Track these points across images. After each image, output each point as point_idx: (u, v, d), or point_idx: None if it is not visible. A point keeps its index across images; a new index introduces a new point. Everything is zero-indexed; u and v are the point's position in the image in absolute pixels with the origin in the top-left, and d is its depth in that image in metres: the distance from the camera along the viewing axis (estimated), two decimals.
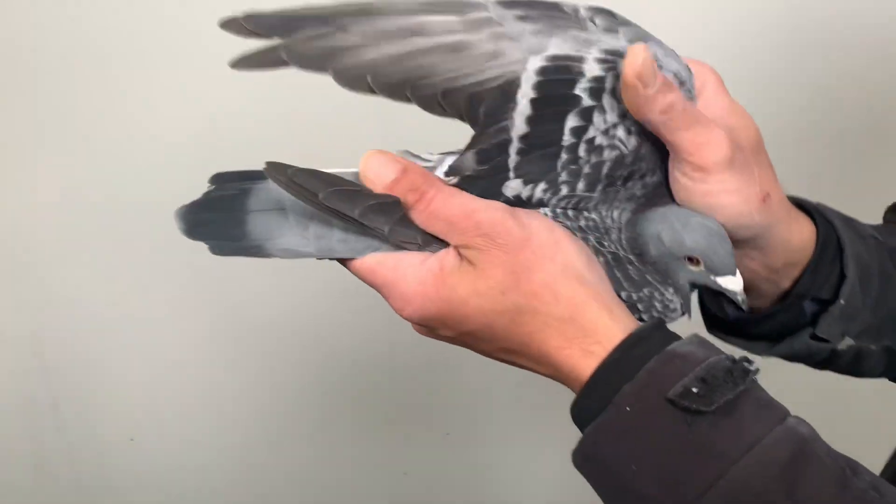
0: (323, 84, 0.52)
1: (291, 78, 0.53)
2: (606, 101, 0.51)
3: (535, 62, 0.51)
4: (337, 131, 1.11)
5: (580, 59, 0.51)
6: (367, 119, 1.08)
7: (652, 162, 0.54)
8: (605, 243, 0.54)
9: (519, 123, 0.51)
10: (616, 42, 0.52)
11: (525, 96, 0.51)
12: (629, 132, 0.52)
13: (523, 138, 0.52)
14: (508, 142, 0.52)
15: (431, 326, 0.53)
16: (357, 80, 0.51)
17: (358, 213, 0.50)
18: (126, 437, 1.37)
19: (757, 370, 0.48)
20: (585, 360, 0.50)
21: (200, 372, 1.34)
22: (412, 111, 0.53)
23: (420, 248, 0.52)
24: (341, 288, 0.67)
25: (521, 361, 0.53)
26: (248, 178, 0.54)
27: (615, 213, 0.54)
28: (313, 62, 0.51)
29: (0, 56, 1.20)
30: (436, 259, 0.52)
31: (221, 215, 0.53)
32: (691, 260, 0.53)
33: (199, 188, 0.54)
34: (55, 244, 1.28)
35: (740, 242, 0.56)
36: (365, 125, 1.09)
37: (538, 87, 0.51)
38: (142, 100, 1.21)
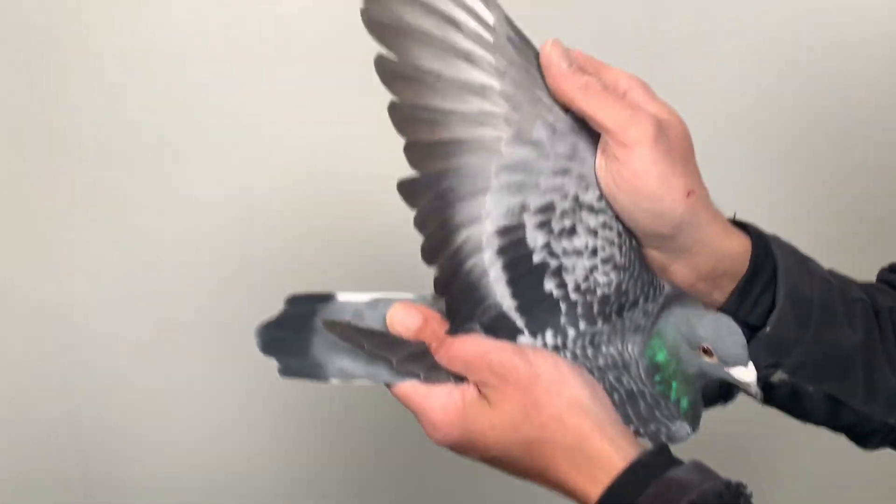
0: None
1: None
2: (567, 260, 0.56)
3: (489, 227, 0.56)
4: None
5: (522, 227, 0.56)
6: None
7: (637, 289, 0.58)
8: (624, 379, 0.58)
9: (504, 297, 0.57)
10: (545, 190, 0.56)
11: (494, 265, 0.57)
12: (605, 273, 0.57)
13: (518, 308, 0.57)
14: (503, 313, 0.58)
15: (458, 450, 0.59)
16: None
17: (395, 361, 0.58)
18: None
19: (750, 494, 0.52)
20: (592, 487, 0.54)
21: (238, 455, 1.34)
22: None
23: (448, 380, 0.58)
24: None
25: (540, 483, 0.58)
26: (316, 300, 0.62)
27: (630, 347, 0.58)
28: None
29: (41, 135, 1.22)
30: (459, 392, 0.58)
31: (290, 334, 0.61)
32: (706, 351, 0.57)
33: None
34: (96, 324, 1.29)
35: (665, 238, 0.58)
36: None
37: (502, 255, 0.57)
38: (180, 179, 1.24)
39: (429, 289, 0.59)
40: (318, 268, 1.24)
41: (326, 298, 0.62)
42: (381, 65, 0.52)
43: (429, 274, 0.57)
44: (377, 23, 0.52)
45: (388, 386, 0.61)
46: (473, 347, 0.57)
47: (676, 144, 0.56)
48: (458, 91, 0.53)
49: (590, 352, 0.58)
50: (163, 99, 1.21)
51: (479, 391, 0.58)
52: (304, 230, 1.24)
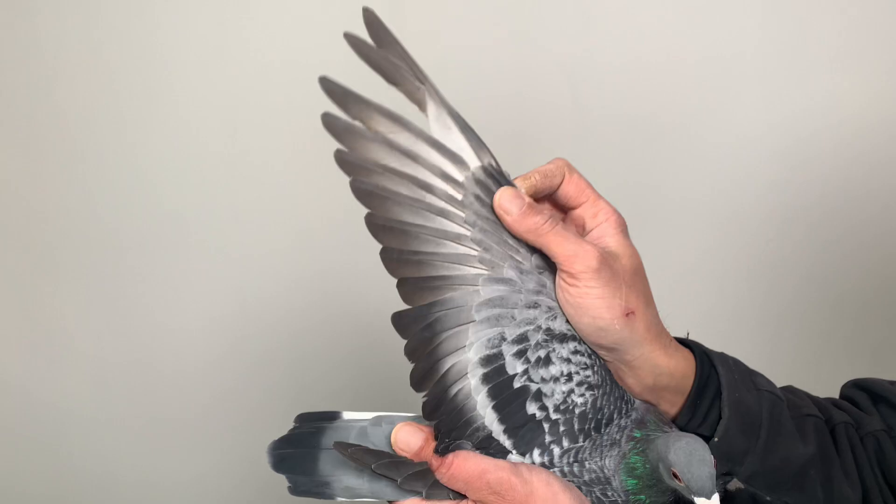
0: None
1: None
2: (545, 386, 0.62)
3: (473, 356, 0.62)
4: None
5: (502, 356, 0.62)
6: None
7: (611, 405, 0.64)
8: (609, 493, 0.63)
9: (492, 421, 0.62)
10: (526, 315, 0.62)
11: (480, 392, 0.62)
12: (581, 394, 0.63)
13: (506, 430, 0.62)
14: (490, 434, 0.62)
15: None
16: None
17: (400, 481, 0.62)
18: None
19: None
20: None
21: None
22: None
23: (448, 497, 0.63)
24: None
25: None
26: (324, 418, 0.67)
27: (608, 462, 0.63)
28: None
29: (27, 241, 1.26)
30: None
31: (299, 451, 0.66)
32: (675, 476, 0.61)
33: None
34: (85, 419, 1.30)
35: (610, 351, 0.64)
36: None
37: (487, 382, 0.62)
38: (176, 273, 1.28)
39: None
40: (313, 374, 1.28)
41: (333, 417, 0.67)
42: (370, 220, 0.59)
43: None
44: (363, 191, 0.58)
45: (390, 501, 0.64)
46: (473, 467, 0.61)
47: (621, 273, 0.63)
48: (437, 238, 0.60)
49: (576, 468, 0.63)
50: (166, 201, 1.25)
51: None
52: (299, 331, 1.28)
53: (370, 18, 0.57)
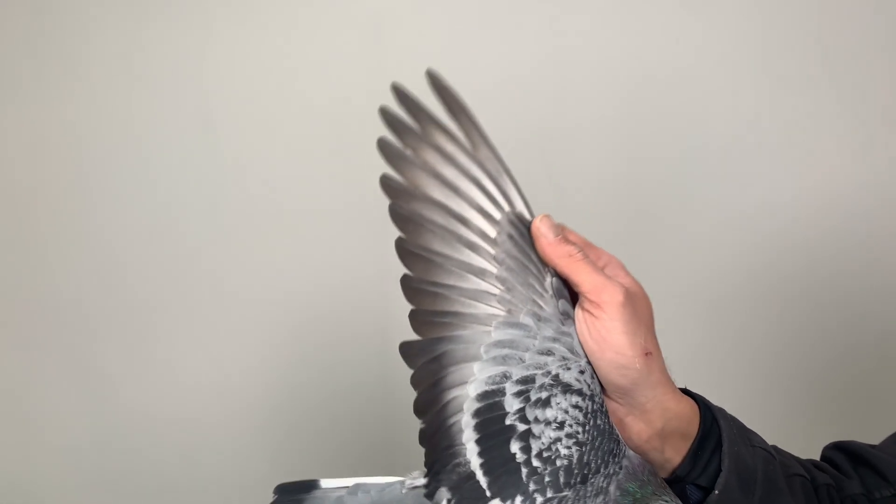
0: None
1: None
2: (536, 427, 0.62)
3: (472, 391, 0.62)
4: None
5: (502, 393, 0.62)
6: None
7: (598, 459, 0.63)
8: None
9: (472, 454, 0.62)
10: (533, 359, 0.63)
11: (468, 425, 0.62)
12: (568, 447, 0.62)
13: (483, 465, 0.62)
14: (472, 473, 0.62)
15: None
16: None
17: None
18: None
19: None
20: None
21: None
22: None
23: None
24: None
25: None
26: (302, 489, 0.67)
27: None
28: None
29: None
30: None
31: None
32: None
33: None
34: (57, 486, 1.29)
35: (625, 392, 0.64)
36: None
37: (477, 416, 0.62)
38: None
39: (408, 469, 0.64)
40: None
41: (310, 487, 0.67)
42: (400, 244, 0.61)
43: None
44: (401, 216, 0.61)
45: None
46: None
47: (640, 312, 0.64)
48: (461, 271, 0.62)
49: None
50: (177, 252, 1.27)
51: None
52: (279, 395, 1.28)
53: (435, 82, 0.60)
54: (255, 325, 1.28)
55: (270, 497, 0.67)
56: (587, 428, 0.62)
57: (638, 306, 0.64)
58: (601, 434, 0.63)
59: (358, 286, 1.24)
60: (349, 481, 0.67)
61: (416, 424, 0.62)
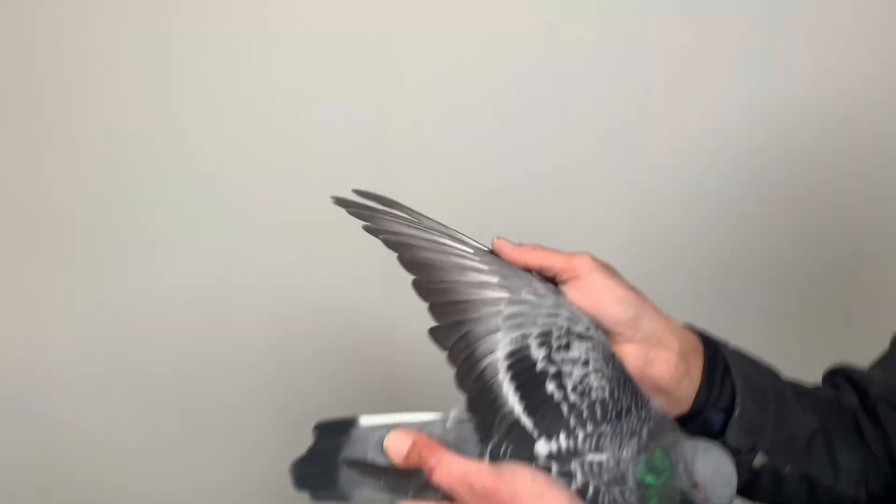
0: None
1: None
2: (565, 367, 0.67)
3: (500, 354, 0.68)
4: None
5: (527, 348, 0.68)
6: None
7: (628, 397, 0.67)
8: (626, 493, 0.65)
9: (514, 402, 0.66)
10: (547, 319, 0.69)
11: (505, 379, 0.67)
12: (598, 379, 0.67)
13: (526, 409, 0.66)
14: (518, 419, 0.66)
15: None
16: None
17: (412, 492, 0.66)
18: None
19: None
20: None
21: None
22: None
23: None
24: None
25: None
26: (341, 428, 0.70)
27: (625, 453, 0.66)
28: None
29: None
30: None
31: (320, 468, 0.69)
32: (695, 485, 0.63)
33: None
34: (64, 384, 1.30)
35: (632, 325, 0.70)
36: None
37: (510, 370, 0.67)
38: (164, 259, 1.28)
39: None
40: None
41: (350, 424, 0.70)
42: (402, 258, 0.69)
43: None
44: (391, 243, 0.69)
45: None
46: (457, 471, 0.65)
47: (612, 269, 0.71)
48: (460, 270, 0.70)
49: (595, 467, 0.65)
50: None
51: None
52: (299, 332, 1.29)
53: (354, 203, 0.71)
54: (257, 321, 1.29)
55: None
56: (610, 366, 0.68)
57: (607, 266, 0.71)
58: (623, 375, 0.68)
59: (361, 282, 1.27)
60: (388, 419, 0.70)
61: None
